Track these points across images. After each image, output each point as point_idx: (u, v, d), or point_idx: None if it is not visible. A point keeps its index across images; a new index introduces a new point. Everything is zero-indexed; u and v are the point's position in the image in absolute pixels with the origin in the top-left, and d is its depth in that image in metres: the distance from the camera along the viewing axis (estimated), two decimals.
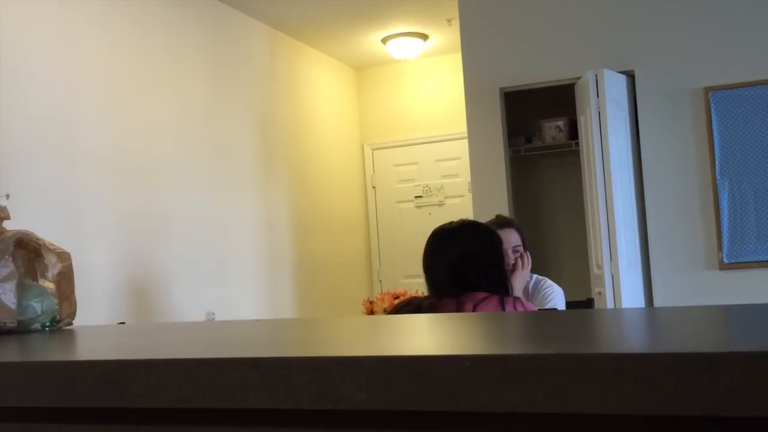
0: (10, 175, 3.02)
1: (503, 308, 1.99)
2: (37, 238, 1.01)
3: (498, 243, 2.16)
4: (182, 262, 4.02)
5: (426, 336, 0.73)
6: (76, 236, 3.31)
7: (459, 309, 1.99)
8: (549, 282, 2.93)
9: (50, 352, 0.76)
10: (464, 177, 5.92)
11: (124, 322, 3.40)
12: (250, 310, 4.59)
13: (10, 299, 0.95)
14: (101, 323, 2.78)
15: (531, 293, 2.85)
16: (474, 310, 1.98)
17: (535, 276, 2.92)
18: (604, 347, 0.55)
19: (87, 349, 0.80)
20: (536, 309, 2.27)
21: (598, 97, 4.27)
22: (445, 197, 6.30)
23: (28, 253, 0.99)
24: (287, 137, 5.33)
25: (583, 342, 0.60)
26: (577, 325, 0.72)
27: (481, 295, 2.01)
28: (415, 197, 6.43)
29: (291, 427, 0.60)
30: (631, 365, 0.49)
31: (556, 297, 2.84)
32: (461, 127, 5.16)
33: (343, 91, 6.34)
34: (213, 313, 4.12)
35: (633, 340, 0.62)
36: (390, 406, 0.56)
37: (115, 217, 3.59)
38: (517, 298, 2.11)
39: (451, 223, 2.20)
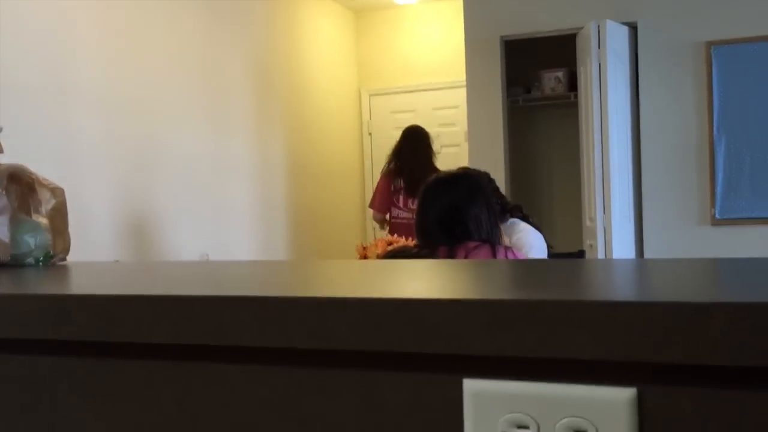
0: (4, 109, 2.99)
1: (495, 257, 2.01)
2: (31, 173, 1.00)
3: (487, 193, 2.17)
4: (177, 203, 4.02)
5: (419, 280, 0.73)
6: (71, 174, 3.29)
7: (451, 258, 2.01)
8: (523, 226, 2.78)
9: (44, 286, 0.77)
10: (461, 126, 5.88)
11: (118, 260, 3.42)
12: (243, 252, 4.61)
13: (4, 233, 0.95)
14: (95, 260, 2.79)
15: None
16: (466, 258, 2.00)
17: (510, 220, 2.80)
18: (595, 295, 0.56)
19: (81, 284, 0.80)
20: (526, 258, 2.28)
21: (599, 48, 4.23)
22: (442, 146, 6.28)
23: (22, 187, 0.99)
24: (284, 80, 5.27)
25: (574, 289, 0.61)
26: (569, 273, 0.73)
27: (473, 243, 2.04)
28: None
29: (284, 365, 0.61)
30: (622, 313, 0.50)
31: (528, 246, 2.69)
32: (460, 75, 5.11)
33: (341, 35, 6.25)
34: (207, 254, 4.14)
35: (624, 289, 0.63)
36: (382, 347, 0.56)
37: (109, 157, 3.57)
38: (508, 248, 2.12)
39: (443, 174, 2.22)
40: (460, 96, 5.28)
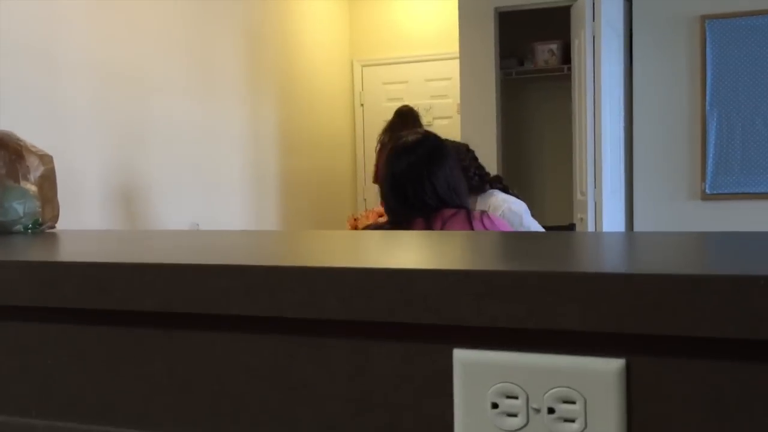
0: None
1: (470, 223, 1.97)
2: (19, 139, 0.99)
3: (447, 158, 2.08)
4: (167, 172, 4.00)
5: (410, 251, 0.73)
6: (60, 141, 3.27)
7: (429, 228, 1.97)
8: (499, 194, 2.71)
9: (33, 253, 0.76)
10: (453, 98, 5.86)
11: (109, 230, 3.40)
12: (234, 222, 4.61)
13: None
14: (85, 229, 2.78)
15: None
16: (443, 227, 1.96)
17: (489, 191, 2.74)
18: (584, 266, 0.56)
19: (70, 251, 0.80)
20: (505, 222, 2.21)
21: (594, 20, 4.20)
22: (434, 118, 6.26)
23: (9, 154, 0.98)
24: (276, 50, 5.23)
25: (564, 261, 0.61)
26: (559, 245, 0.73)
27: (449, 211, 2.00)
28: None
29: (273, 334, 0.61)
30: (611, 284, 0.50)
31: (505, 208, 2.62)
32: (453, 46, 5.08)
33: (333, 5, 6.19)
34: (197, 224, 4.13)
35: (614, 261, 0.63)
36: (372, 317, 0.56)
37: (99, 124, 3.54)
38: (484, 212, 2.08)
39: (403, 140, 2.10)
40: (453, 68, 5.25)
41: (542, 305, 0.52)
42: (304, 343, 0.60)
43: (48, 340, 0.68)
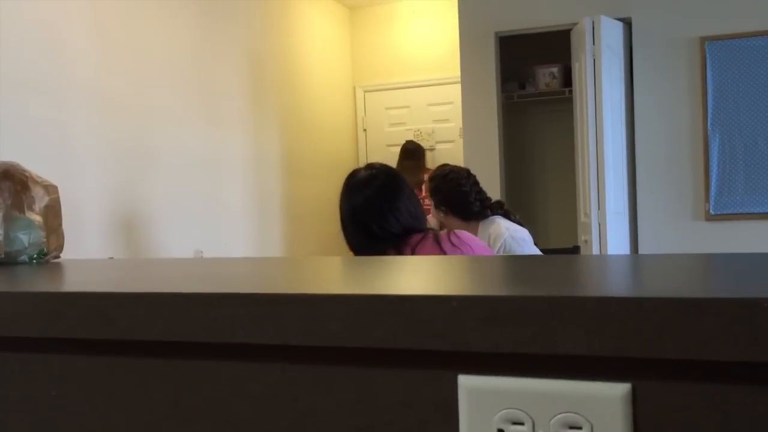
0: None
1: (439, 245, 1.98)
2: (24, 170, 0.99)
3: (402, 187, 2.09)
4: (171, 199, 4.01)
5: (412, 277, 0.73)
6: (65, 171, 3.28)
7: (399, 254, 1.96)
8: (505, 226, 2.66)
9: (38, 283, 0.76)
10: (456, 122, 5.88)
11: (112, 257, 3.41)
12: (238, 249, 4.61)
13: None
14: (89, 258, 2.78)
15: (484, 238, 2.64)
16: (413, 253, 1.96)
17: (491, 218, 2.72)
18: (589, 291, 0.56)
19: (75, 281, 0.80)
20: (473, 237, 2.20)
21: (594, 43, 4.23)
22: (436, 142, 6.28)
23: (15, 185, 0.98)
24: (278, 76, 5.26)
25: (568, 285, 0.61)
26: (563, 269, 0.73)
27: (416, 237, 2.00)
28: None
29: (278, 362, 0.61)
30: (616, 309, 0.50)
31: (501, 235, 2.60)
32: (454, 71, 5.11)
33: (335, 31, 6.24)
34: (201, 251, 4.14)
35: (618, 285, 0.63)
36: (376, 344, 0.56)
37: (103, 153, 3.56)
38: (451, 231, 2.08)
39: (355, 178, 2.11)
40: (455, 92, 5.28)
41: (547, 330, 0.51)
42: (309, 371, 0.60)
43: (53, 371, 0.68)
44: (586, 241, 4.31)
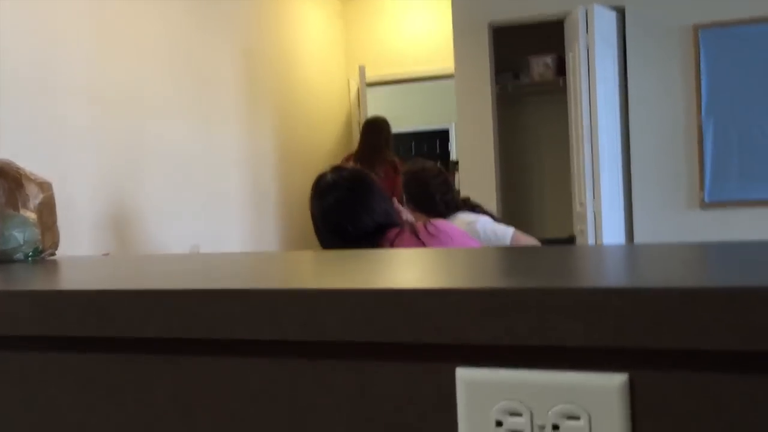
0: None
1: (417, 236, 1.98)
2: (18, 168, 0.99)
3: (371, 185, 2.09)
4: (166, 195, 4.00)
5: (409, 270, 0.73)
6: (59, 168, 3.27)
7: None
8: (467, 222, 2.70)
9: (34, 281, 0.76)
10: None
11: (108, 254, 3.41)
12: (234, 243, 4.61)
13: None
14: (85, 255, 2.78)
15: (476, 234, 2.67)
16: (392, 247, 1.96)
17: (453, 215, 2.76)
18: (585, 282, 0.56)
19: (71, 279, 0.80)
20: (449, 222, 2.21)
21: (587, 33, 4.22)
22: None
23: (9, 182, 0.98)
24: (272, 70, 5.25)
25: (565, 276, 0.61)
26: (560, 260, 0.73)
27: (393, 231, 2.00)
28: None
29: (276, 357, 0.61)
30: (613, 299, 0.50)
31: (476, 238, 2.61)
32: (448, 62, 5.10)
33: (329, 25, 6.23)
34: (198, 246, 4.13)
35: (614, 276, 0.63)
36: (374, 338, 0.56)
37: (97, 149, 3.55)
38: (427, 222, 2.08)
39: (320, 183, 2.11)
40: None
41: (544, 322, 0.52)
42: (307, 366, 0.60)
43: (50, 369, 0.68)
44: (581, 231, 4.32)
